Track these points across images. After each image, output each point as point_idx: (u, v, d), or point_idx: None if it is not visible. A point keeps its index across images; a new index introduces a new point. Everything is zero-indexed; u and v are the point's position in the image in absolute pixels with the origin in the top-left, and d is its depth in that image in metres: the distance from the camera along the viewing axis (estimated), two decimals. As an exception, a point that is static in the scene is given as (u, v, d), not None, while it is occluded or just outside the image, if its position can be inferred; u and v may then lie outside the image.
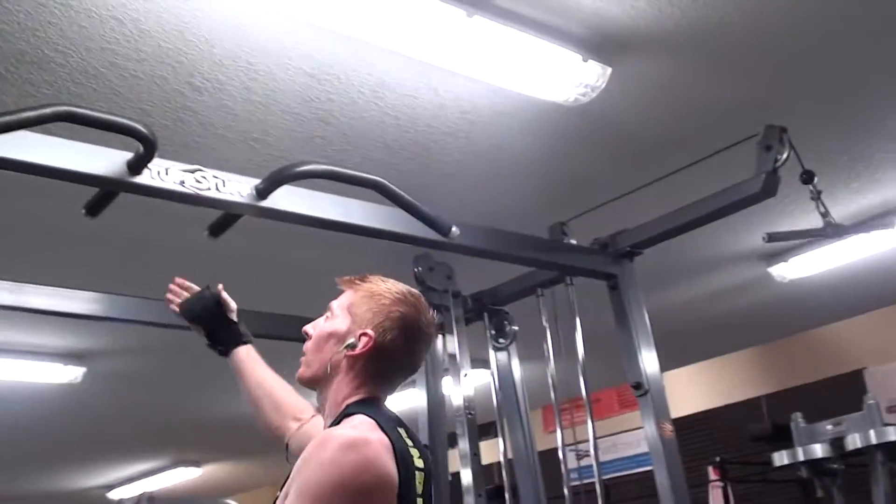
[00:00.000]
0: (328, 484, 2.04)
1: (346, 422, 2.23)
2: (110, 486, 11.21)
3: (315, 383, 2.44)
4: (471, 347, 4.40)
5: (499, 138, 3.91)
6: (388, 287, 2.46)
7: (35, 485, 10.96)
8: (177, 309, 2.89)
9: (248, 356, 2.82)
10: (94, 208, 2.88)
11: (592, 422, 4.24)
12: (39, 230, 4.30)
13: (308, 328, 2.49)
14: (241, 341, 2.85)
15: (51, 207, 3.91)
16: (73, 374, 6.23)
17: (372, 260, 4.90)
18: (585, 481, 4.40)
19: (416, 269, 4.32)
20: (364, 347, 2.37)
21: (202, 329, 2.85)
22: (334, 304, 2.47)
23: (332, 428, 2.23)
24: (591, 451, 4.21)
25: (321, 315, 2.46)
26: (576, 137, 3.98)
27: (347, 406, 2.34)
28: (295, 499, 2.07)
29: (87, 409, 7.37)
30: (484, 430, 4.42)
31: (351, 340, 2.39)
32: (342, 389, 2.38)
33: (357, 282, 2.49)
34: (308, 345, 2.46)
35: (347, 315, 2.44)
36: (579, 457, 4.52)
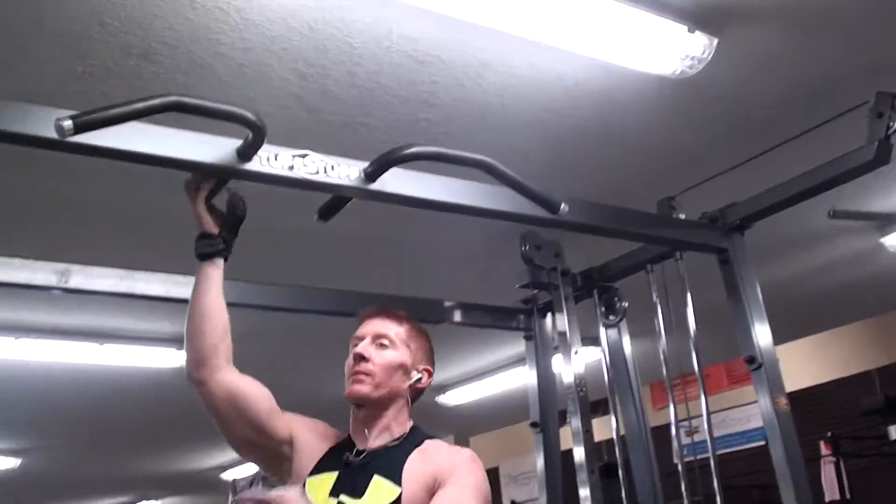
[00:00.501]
0: (485, 486, 2.79)
1: (443, 443, 2.92)
2: (223, 468, 11.42)
3: (373, 403, 2.87)
4: (580, 325, 4.39)
5: (604, 114, 3.88)
6: (421, 326, 3.04)
7: (152, 466, 11.22)
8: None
9: (221, 273, 2.78)
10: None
11: (706, 396, 4.20)
12: (149, 218, 4.38)
13: (365, 352, 2.88)
14: (228, 255, 2.81)
15: (159, 195, 3.98)
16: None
17: (479, 240, 4.95)
18: (697, 457, 4.36)
19: (523, 248, 4.29)
20: (425, 383, 2.99)
21: (225, 227, 2.79)
22: (391, 334, 2.93)
23: (459, 448, 2.92)
24: (705, 426, 4.16)
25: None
26: (682, 111, 3.93)
27: (414, 429, 2.92)
28: (470, 494, 2.73)
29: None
30: (593, 407, 4.40)
31: (417, 376, 2.95)
32: (402, 414, 2.91)
33: (402, 315, 3.00)
34: (377, 370, 2.87)
35: (407, 349, 2.95)
36: (688, 433, 4.47)
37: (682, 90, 3.74)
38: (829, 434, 7.89)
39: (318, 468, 2.80)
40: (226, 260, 2.79)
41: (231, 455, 10.86)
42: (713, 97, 3.85)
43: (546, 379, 4.73)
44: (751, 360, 3.93)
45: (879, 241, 5.86)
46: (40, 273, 3.61)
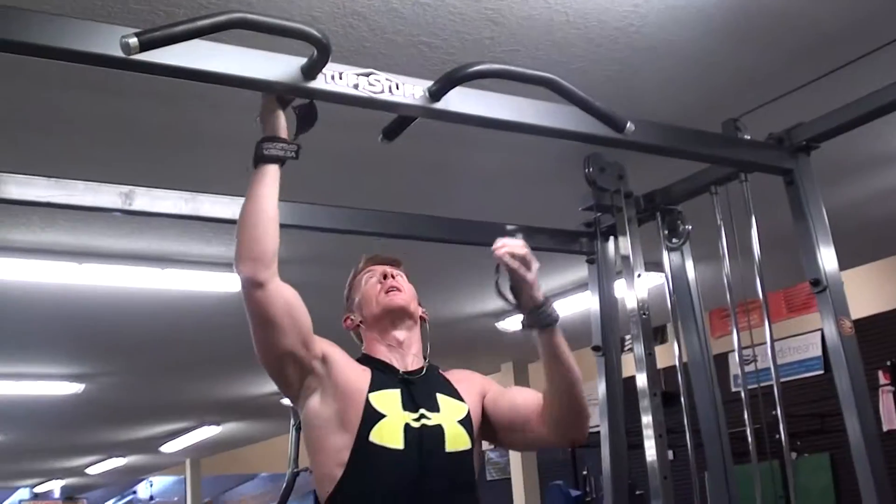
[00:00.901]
0: None
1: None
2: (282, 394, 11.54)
3: (410, 316, 2.98)
4: (643, 249, 4.36)
5: (670, 32, 3.80)
6: None
7: (212, 392, 11.36)
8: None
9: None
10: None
11: (770, 322, 4.17)
12: (213, 140, 4.37)
13: (393, 273, 3.02)
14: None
15: (224, 117, 3.98)
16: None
17: (541, 161, 4.91)
18: (752, 385, 4.32)
19: (587, 170, 4.27)
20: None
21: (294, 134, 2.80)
22: (400, 275, 3.03)
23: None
24: (769, 352, 4.15)
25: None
26: (750, 29, 3.84)
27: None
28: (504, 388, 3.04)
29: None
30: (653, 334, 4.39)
31: (422, 309, 3.08)
32: (419, 341, 3.00)
33: (400, 263, 3.12)
34: (406, 289, 2.99)
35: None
36: (746, 362, 4.44)
37: (751, 8, 3.66)
38: (888, 363, 7.82)
39: (376, 385, 2.80)
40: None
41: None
42: (782, 14, 3.76)
43: (608, 303, 4.72)
44: (815, 282, 3.89)
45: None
46: (105, 195, 3.62)
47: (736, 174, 4.18)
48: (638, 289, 4.25)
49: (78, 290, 6.48)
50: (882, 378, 8.29)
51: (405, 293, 2.97)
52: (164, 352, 9.01)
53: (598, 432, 4.58)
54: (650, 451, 4.12)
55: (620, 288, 4.52)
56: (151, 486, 25.21)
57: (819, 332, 9.26)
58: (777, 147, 4.01)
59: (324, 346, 2.81)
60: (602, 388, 4.68)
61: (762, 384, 4.26)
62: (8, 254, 5.65)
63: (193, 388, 11.19)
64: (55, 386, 9.87)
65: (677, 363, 4.52)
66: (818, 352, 9.01)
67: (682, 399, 4.51)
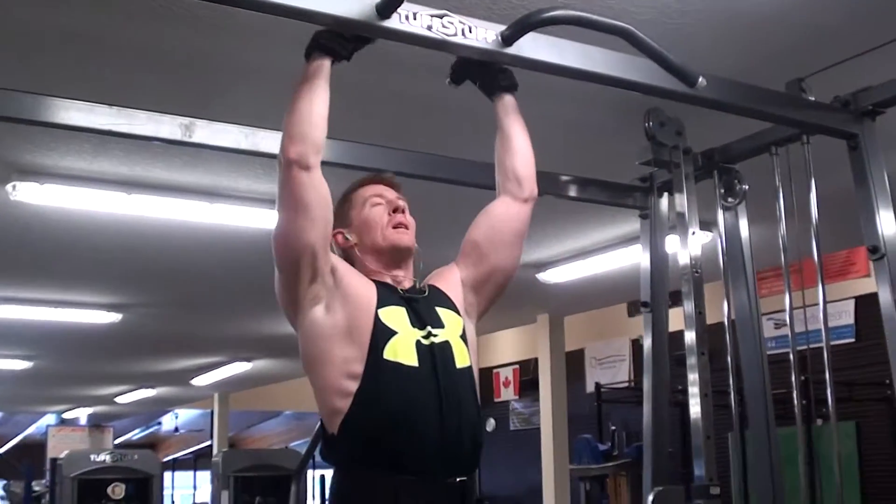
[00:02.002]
0: None
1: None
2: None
3: (411, 257, 3.04)
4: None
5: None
6: None
7: (248, 328, 11.42)
8: None
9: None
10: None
11: (824, 284, 4.16)
12: (267, 74, 4.35)
13: (405, 208, 3.06)
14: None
15: (286, 51, 3.97)
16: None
17: (600, 113, 4.88)
18: (782, 350, 4.32)
19: (647, 124, 4.23)
20: None
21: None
22: (406, 209, 3.06)
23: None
24: (821, 315, 4.15)
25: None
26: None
27: None
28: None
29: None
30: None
31: None
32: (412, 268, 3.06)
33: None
34: (411, 225, 3.04)
35: None
36: (779, 325, 4.44)
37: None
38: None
39: (383, 301, 2.84)
40: None
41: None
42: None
43: (659, 259, 4.70)
44: (874, 249, 3.87)
45: None
46: (165, 126, 3.63)
47: (798, 135, 4.14)
48: (692, 246, 4.23)
49: (124, 220, 6.50)
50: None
51: (412, 232, 3.04)
52: (203, 286, 9.07)
53: (642, 388, 4.59)
54: (694, 409, 4.10)
55: (672, 244, 4.51)
56: (177, 417, 25.51)
57: (852, 301, 9.29)
58: (843, 110, 3.96)
59: (332, 257, 2.84)
60: (648, 343, 4.68)
61: (809, 346, 4.26)
62: (59, 181, 5.65)
63: (228, 324, 11.26)
64: (93, 315, 9.95)
65: (725, 321, 4.50)
66: (850, 319, 8.99)
67: (728, 358, 4.49)
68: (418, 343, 2.80)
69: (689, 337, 4.17)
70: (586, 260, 8.04)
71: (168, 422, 26.44)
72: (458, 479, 2.81)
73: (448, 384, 2.78)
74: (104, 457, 9.87)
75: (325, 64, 2.75)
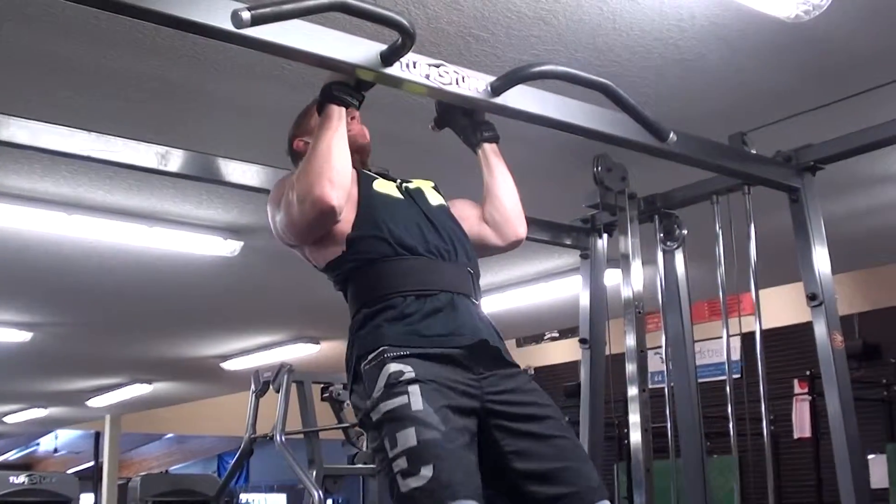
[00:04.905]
0: None
1: None
2: (224, 357, 11.62)
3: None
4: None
5: (706, 48, 3.99)
6: None
7: (157, 351, 11.33)
8: None
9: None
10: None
11: (760, 321, 4.40)
12: (254, 111, 4.46)
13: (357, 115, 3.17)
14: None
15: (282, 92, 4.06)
16: (231, 247, 6.53)
17: (550, 155, 5.04)
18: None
19: (595, 169, 4.42)
20: None
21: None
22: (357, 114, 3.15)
23: None
24: (758, 347, 4.37)
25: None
26: (781, 52, 4.03)
27: None
28: None
29: (242, 281, 7.80)
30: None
31: None
32: None
33: None
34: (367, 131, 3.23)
35: None
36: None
37: (788, 33, 3.86)
38: (807, 372, 8.07)
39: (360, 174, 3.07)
40: None
41: (233, 346, 11.07)
42: (814, 41, 3.97)
43: (597, 297, 4.88)
44: (813, 296, 4.10)
45: None
46: (143, 154, 3.67)
47: (740, 186, 4.36)
48: (635, 285, 4.42)
49: (56, 240, 6.51)
50: (797, 387, 8.58)
51: (367, 135, 3.24)
52: (121, 307, 8.98)
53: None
54: (636, 444, 4.29)
55: (610, 280, 4.73)
56: (57, 438, 24.93)
57: (738, 338, 9.54)
58: (785, 165, 4.20)
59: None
60: (584, 378, 4.86)
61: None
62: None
63: (136, 345, 11.11)
64: (4, 333, 9.77)
65: (663, 354, 4.73)
66: (736, 356, 9.26)
67: (666, 389, 4.69)
68: (397, 186, 3.08)
69: (630, 370, 4.37)
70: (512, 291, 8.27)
71: (47, 443, 25.77)
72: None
73: (434, 215, 3.04)
74: (22, 479, 9.74)
75: (340, 112, 2.90)
